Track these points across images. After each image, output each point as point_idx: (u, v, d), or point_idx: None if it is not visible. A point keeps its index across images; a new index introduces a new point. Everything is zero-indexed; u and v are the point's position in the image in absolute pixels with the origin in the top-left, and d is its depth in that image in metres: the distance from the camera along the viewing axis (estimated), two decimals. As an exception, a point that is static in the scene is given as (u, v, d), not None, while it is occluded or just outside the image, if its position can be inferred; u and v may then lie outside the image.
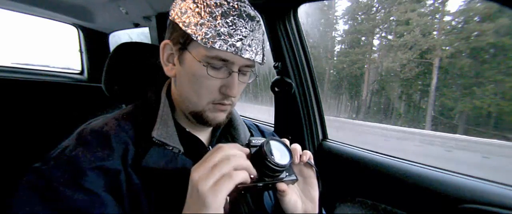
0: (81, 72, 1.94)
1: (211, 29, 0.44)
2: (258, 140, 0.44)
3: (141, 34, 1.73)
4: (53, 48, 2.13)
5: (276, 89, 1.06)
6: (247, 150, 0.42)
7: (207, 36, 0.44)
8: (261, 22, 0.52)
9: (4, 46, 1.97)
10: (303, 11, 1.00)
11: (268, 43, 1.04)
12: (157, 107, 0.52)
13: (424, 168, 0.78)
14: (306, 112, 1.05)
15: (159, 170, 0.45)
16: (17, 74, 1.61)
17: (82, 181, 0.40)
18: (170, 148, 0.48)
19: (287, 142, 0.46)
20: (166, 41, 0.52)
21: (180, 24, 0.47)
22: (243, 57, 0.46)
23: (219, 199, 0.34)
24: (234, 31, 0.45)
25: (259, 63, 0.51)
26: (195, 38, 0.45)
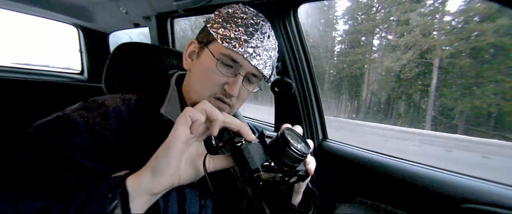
0: (81, 72, 1.93)
1: (231, 33, 0.51)
2: (271, 133, 0.44)
3: (141, 34, 1.73)
4: (53, 48, 2.13)
5: (276, 89, 1.06)
6: (253, 135, 0.42)
7: (225, 36, 0.51)
8: (277, 45, 0.59)
9: (4, 46, 1.96)
10: (303, 11, 1.00)
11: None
12: (166, 90, 0.57)
13: (424, 168, 0.78)
14: (306, 112, 1.05)
15: (161, 137, 0.46)
16: (17, 74, 1.61)
17: (73, 138, 0.43)
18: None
19: (301, 130, 0.48)
20: (193, 39, 0.59)
21: (209, 26, 0.54)
22: (251, 63, 0.52)
23: (182, 113, 0.38)
24: (249, 39, 0.52)
25: (265, 79, 0.56)
26: (215, 36, 0.52)
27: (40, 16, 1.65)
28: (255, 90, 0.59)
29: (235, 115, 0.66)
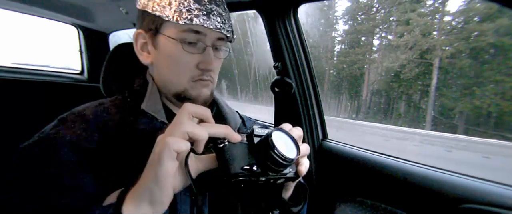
0: (81, 72, 1.93)
1: (180, 7, 0.48)
2: (262, 130, 0.42)
3: (141, 34, 1.72)
4: (53, 48, 2.13)
5: (276, 89, 1.06)
6: (238, 137, 0.40)
7: (177, 13, 0.47)
8: None
9: (4, 46, 1.96)
10: (303, 11, 1.00)
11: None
12: (145, 88, 0.55)
13: (424, 168, 0.78)
14: (306, 112, 1.05)
15: (147, 135, 0.46)
16: (17, 74, 1.61)
17: (58, 156, 0.43)
18: (158, 121, 0.50)
19: (299, 132, 0.45)
20: (138, 31, 0.54)
21: (149, 10, 0.49)
22: (214, 29, 0.49)
23: (165, 147, 0.35)
24: (200, 5, 0.49)
25: (228, 39, 0.54)
26: (166, 18, 0.48)
27: (40, 16, 1.65)
28: (225, 56, 0.57)
29: (223, 111, 0.62)
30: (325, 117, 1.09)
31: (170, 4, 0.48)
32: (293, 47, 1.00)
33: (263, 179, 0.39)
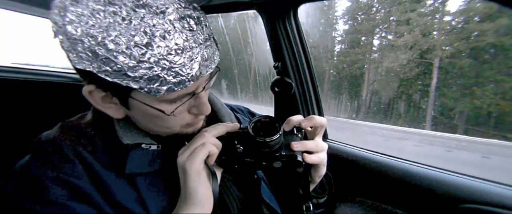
0: (81, 72, 1.94)
1: (154, 70, 0.33)
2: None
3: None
4: (53, 48, 2.13)
5: (276, 89, 1.06)
6: (237, 125, 0.48)
7: (154, 85, 0.34)
8: (195, 14, 0.38)
9: (4, 46, 1.96)
10: (303, 11, 1.00)
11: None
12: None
13: (424, 168, 0.78)
14: (306, 112, 1.05)
15: (144, 173, 0.44)
16: (17, 74, 1.61)
17: (45, 195, 0.38)
18: (147, 146, 0.45)
19: (296, 118, 0.51)
20: (89, 88, 0.40)
21: (103, 75, 0.34)
22: (203, 76, 0.38)
23: (195, 164, 0.40)
24: (184, 58, 0.34)
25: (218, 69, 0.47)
26: (139, 90, 0.34)
27: (40, 16, 1.65)
28: (214, 80, 0.45)
29: (219, 114, 0.60)
30: (325, 117, 1.09)
31: (137, 68, 0.32)
32: (293, 47, 1.00)
33: (250, 160, 0.45)
